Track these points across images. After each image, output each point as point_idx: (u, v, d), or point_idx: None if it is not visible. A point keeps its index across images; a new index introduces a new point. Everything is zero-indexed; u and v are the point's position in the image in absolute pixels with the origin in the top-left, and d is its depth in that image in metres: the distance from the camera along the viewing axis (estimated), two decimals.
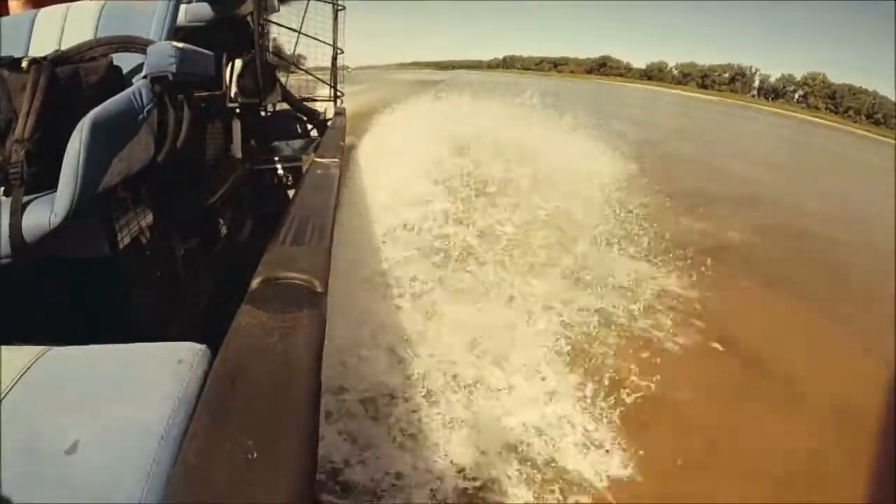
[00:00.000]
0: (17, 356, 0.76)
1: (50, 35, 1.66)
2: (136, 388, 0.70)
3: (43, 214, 1.07)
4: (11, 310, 1.42)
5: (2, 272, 1.10)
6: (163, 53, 1.32)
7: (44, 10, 1.75)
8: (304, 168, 2.98)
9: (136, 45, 1.43)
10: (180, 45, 1.34)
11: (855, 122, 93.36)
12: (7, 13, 2.27)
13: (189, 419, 0.63)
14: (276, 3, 3.57)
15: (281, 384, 0.64)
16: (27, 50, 1.67)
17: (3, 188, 1.16)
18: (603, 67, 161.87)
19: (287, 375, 0.66)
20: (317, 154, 2.28)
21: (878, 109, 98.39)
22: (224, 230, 2.11)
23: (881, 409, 3.07)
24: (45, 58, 1.24)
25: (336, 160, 2.05)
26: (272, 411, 0.60)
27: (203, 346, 0.75)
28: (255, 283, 0.92)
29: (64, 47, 1.57)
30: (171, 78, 1.33)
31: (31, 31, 1.70)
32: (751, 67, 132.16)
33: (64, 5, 1.73)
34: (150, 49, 1.35)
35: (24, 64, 1.22)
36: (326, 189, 1.68)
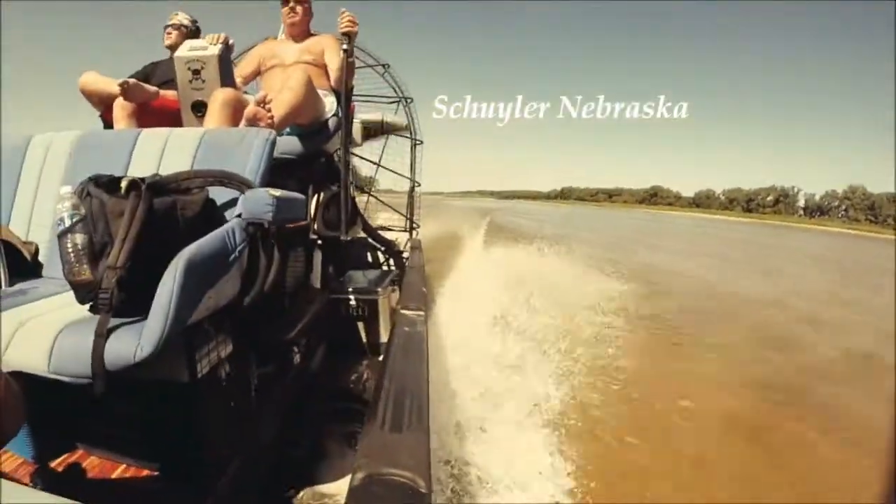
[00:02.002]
0: None
1: (151, 156, 1.75)
2: None
3: (128, 345, 1.06)
4: (82, 421, 1.40)
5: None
6: (260, 201, 1.36)
7: (147, 131, 1.86)
8: (379, 301, 3.05)
9: (232, 181, 1.48)
10: (277, 192, 1.38)
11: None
12: (111, 125, 2.44)
13: None
14: (359, 138, 3.78)
15: None
16: (127, 166, 1.76)
17: (90, 304, 1.17)
18: (654, 197, 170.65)
19: None
20: (401, 303, 2.27)
21: None
22: (298, 358, 2.10)
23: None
24: (143, 180, 1.28)
25: (421, 313, 2.04)
26: None
27: None
28: (357, 477, 0.87)
29: (163, 170, 1.65)
30: (266, 226, 1.36)
31: (133, 149, 1.79)
32: (793, 188, 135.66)
33: (167, 129, 1.84)
34: (247, 195, 1.39)
35: (124, 185, 1.26)
36: (416, 352, 1.65)
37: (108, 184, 1.28)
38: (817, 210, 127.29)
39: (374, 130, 4.61)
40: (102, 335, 1.07)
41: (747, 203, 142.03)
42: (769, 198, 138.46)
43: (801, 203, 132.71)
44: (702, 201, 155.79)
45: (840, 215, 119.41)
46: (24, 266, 1.69)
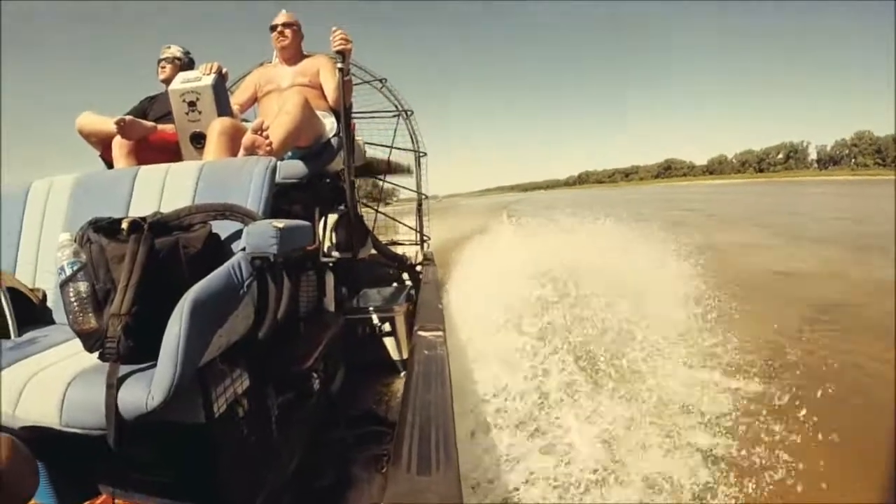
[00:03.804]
0: None
1: (151, 193, 1.73)
2: None
3: (139, 394, 1.03)
4: (102, 466, 1.37)
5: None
6: (264, 235, 1.32)
7: (146, 168, 1.84)
8: (396, 318, 3.02)
9: (235, 213, 1.44)
10: (280, 224, 1.34)
11: None
12: (111, 163, 2.43)
13: None
14: (363, 154, 3.74)
15: None
16: (128, 205, 1.73)
17: (98, 352, 1.14)
18: (668, 170, 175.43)
19: None
20: (418, 323, 2.24)
21: None
22: (317, 384, 2.06)
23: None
24: (144, 219, 1.26)
25: (440, 333, 2.00)
26: None
27: None
28: None
29: (164, 207, 1.62)
30: (272, 259, 1.32)
31: (132, 187, 1.77)
32: (802, 142, 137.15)
33: (165, 165, 1.82)
34: (249, 229, 1.35)
35: (125, 225, 1.23)
36: (438, 377, 1.60)
37: (108, 227, 1.25)
38: (830, 160, 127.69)
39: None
40: (112, 385, 1.04)
41: (759, 163, 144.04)
42: (779, 155, 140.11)
43: (814, 156, 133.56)
44: (715, 168, 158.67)
45: (851, 163, 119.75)
46: (33, 313, 1.68)
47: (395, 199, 5.29)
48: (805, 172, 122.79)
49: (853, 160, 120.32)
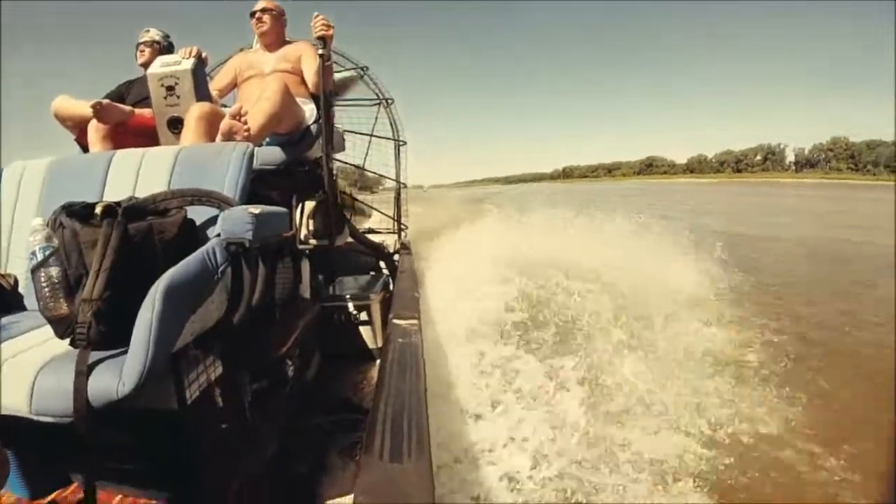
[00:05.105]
0: None
1: (126, 178, 1.70)
2: None
3: (110, 381, 1.02)
4: (75, 454, 1.36)
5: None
6: (239, 220, 1.31)
7: (121, 152, 1.81)
8: (372, 306, 3.01)
9: (211, 199, 1.43)
10: (256, 210, 1.33)
11: (874, 174, 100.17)
12: (87, 147, 2.39)
13: None
14: (343, 142, 3.71)
15: None
16: (103, 190, 1.71)
17: (69, 339, 1.12)
18: (649, 168, 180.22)
19: None
20: (394, 312, 2.24)
21: None
22: (292, 371, 2.06)
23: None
24: (118, 204, 1.24)
25: (415, 322, 2.00)
26: None
27: None
28: None
29: (139, 192, 1.60)
30: (247, 245, 1.31)
31: (107, 172, 1.74)
32: (779, 144, 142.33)
33: (141, 149, 1.79)
34: (225, 214, 1.34)
35: (98, 210, 1.21)
36: (412, 366, 1.60)
37: (82, 211, 1.22)
38: (807, 163, 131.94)
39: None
40: (83, 372, 1.02)
41: (737, 164, 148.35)
42: (757, 157, 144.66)
43: (792, 158, 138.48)
44: (695, 166, 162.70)
45: (826, 167, 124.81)
46: (4, 299, 1.65)
47: (381, 187, 5.25)
48: (780, 174, 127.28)
49: (828, 164, 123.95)
